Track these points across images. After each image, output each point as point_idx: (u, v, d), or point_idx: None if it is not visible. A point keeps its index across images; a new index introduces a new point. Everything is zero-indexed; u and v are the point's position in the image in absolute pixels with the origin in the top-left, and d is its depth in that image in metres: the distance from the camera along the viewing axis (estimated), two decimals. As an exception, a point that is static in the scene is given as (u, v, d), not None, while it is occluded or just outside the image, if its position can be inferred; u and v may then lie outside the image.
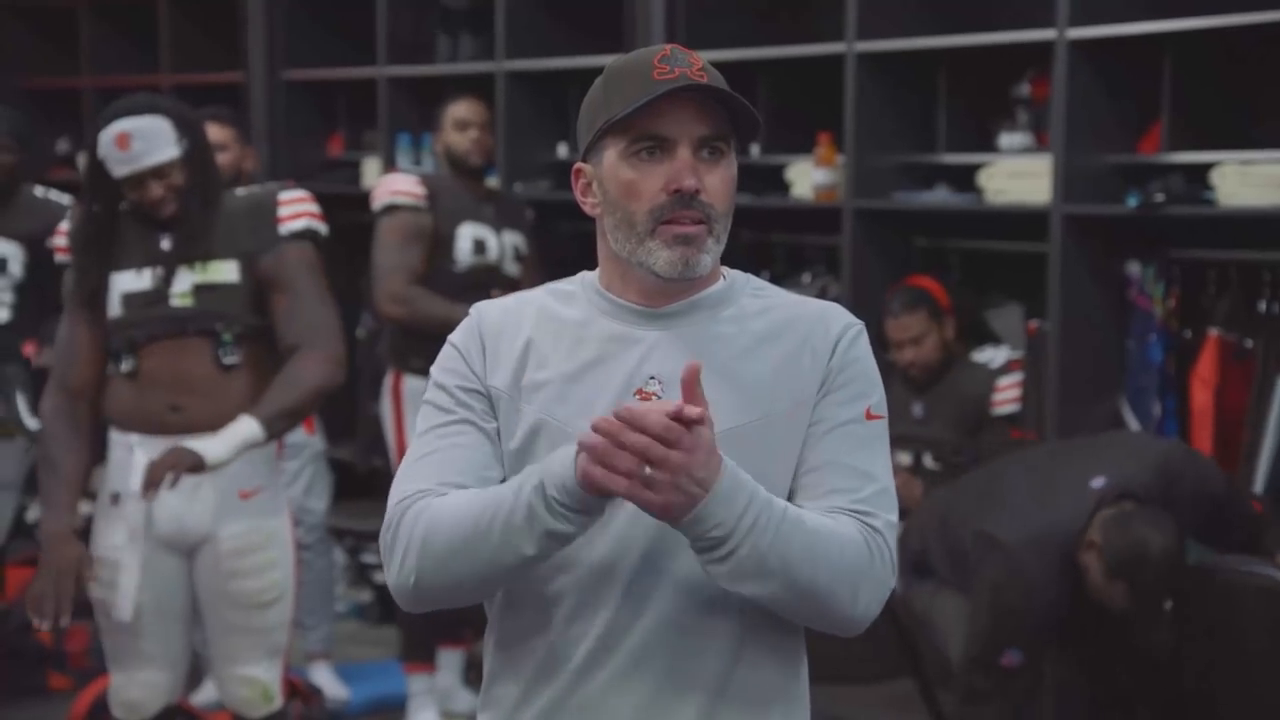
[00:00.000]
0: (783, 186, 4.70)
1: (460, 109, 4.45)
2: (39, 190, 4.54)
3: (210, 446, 3.08)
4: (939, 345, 4.23)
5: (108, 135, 3.11)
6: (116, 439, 3.25)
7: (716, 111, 1.69)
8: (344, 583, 5.51)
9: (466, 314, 1.82)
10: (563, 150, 5.18)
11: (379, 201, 4.35)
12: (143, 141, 3.10)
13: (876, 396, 1.72)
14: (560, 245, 5.01)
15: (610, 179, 1.70)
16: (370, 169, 5.57)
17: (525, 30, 5.06)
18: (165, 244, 3.19)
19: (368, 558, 5.50)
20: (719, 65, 1.82)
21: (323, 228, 3.33)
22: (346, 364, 3.28)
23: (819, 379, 1.70)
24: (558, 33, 5.08)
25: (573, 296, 1.78)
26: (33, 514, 5.10)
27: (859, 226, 4.43)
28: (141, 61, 6.38)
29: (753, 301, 1.76)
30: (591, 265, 1.84)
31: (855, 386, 1.70)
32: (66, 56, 6.66)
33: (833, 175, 4.50)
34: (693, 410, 1.54)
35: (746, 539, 1.57)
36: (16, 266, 4.39)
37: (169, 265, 3.17)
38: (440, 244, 4.25)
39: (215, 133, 4.22)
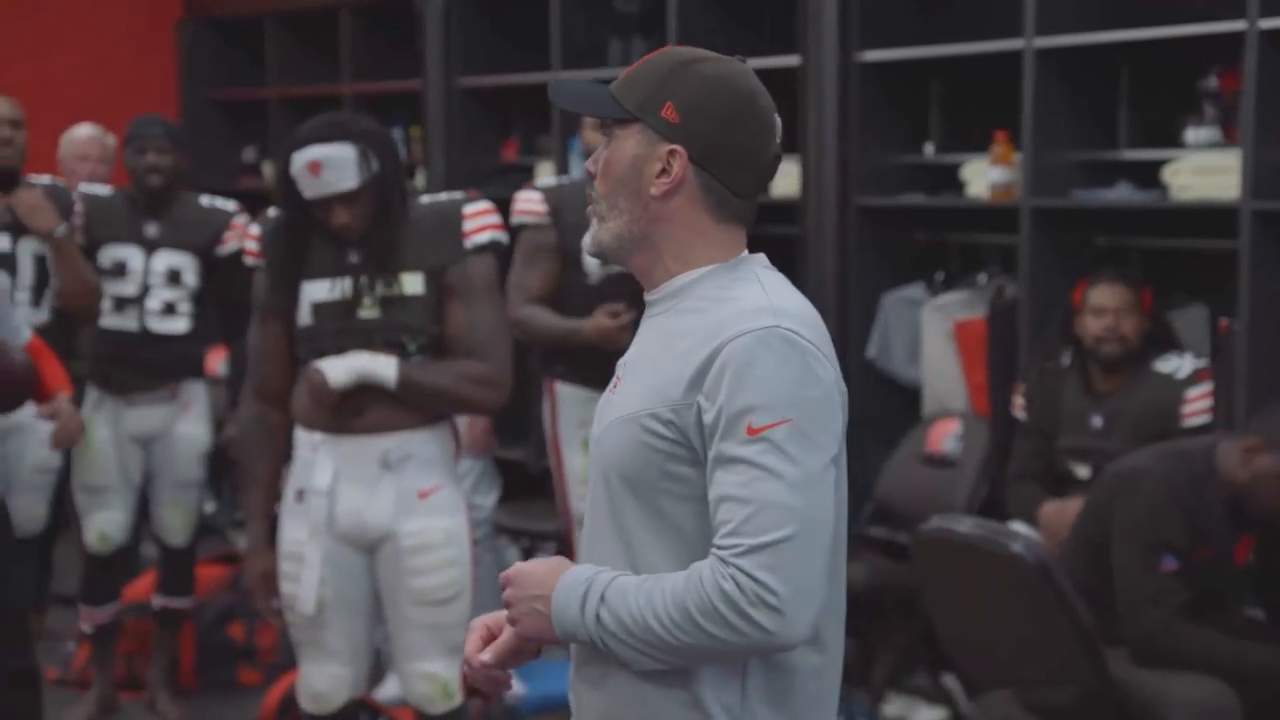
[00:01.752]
0: (957, 185, 4.64)
1: None
2: (204, 199, 4.63)
3: (333, 367, 3.18)
4: (1137, 330, 4.08)
5: (301, 159, 3.17)
6: (302, 438, 3.33)
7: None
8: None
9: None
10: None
11: (513, 219, 4.28)
12: (332, 171, 3.16)
13: (754, 408, 1.65)
14: (752, 246, 4.98)
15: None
16: (544, 173, 5.59)
17: (698, 32, 5.05)
18: (354, 257, 3.25)
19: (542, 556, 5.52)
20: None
21: (505, 239, 3.37)
22: (508, 388, 3.32)
23: (695, 388, 1.69)
24: (730, 34, 5.06)
25: None
26: (208, 508, 5.27)
27: (1037, 225, 4.35)
28: (323, 72, 6.52)
29: (707, 296, 1.76)
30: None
31: (731, 407, 1.66)
32: (253, 68, 6.85)
33: (1010, 173, 4.42)
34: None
35: (599, 631, 1.67)
36: (191, 277, 4.51)
37: (357, 278, 3.24)
38: (568, 257, 4.13)
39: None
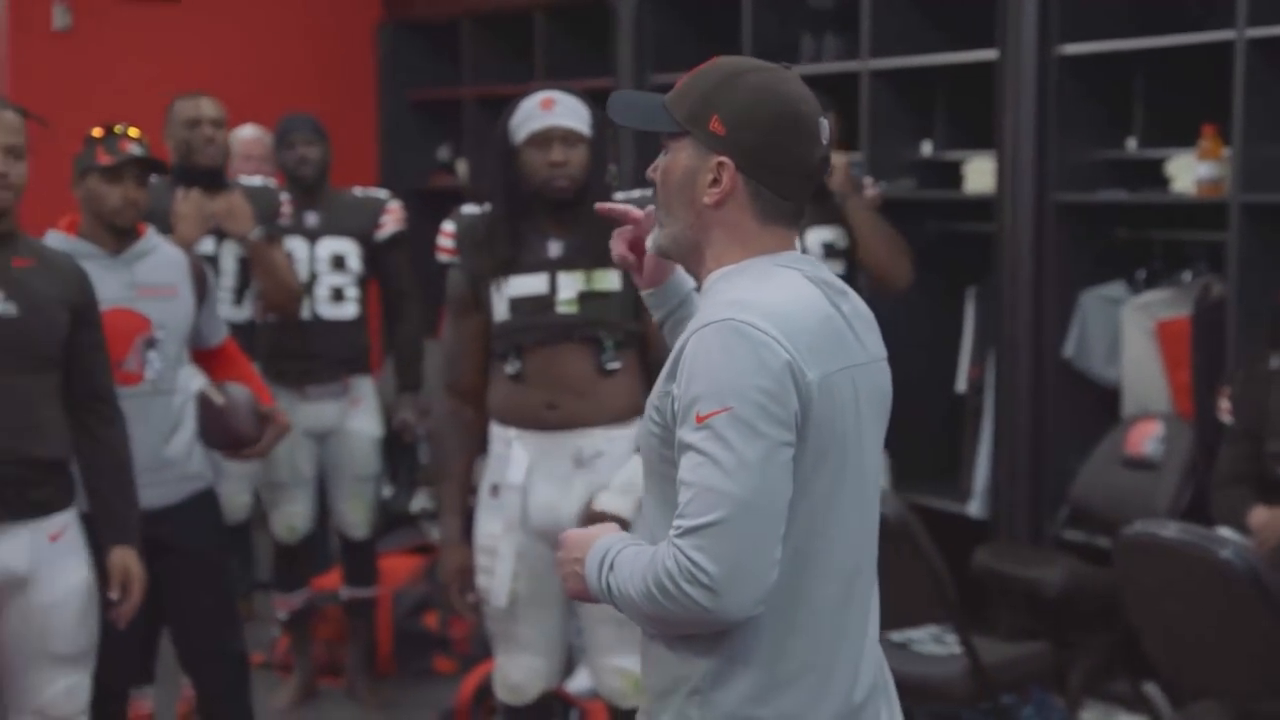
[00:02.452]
0: (1162, 181, 4.51)
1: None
2: (357, 190, 4.76)
3: (613, 500, 3.20)
4: None
5: (533, 99, 3.21)
6: (497, 433, 3.36)
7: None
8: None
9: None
10: (926, 148, 5.11)
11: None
12: (565, 108, 3.19)
13: (701, 396, 1.76)
14: (926, 244, 4.94)
15: None
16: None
17: (891, 28, 4.99)
18: (554, 251, 3.26)
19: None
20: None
21: None
22: None
23: (670, 373, 1.83)
24: (925, 30, 5.00)
25: None
26: (386, 493, 5.32)
27: (1247, 222, 4.20)
28: (518, 71, 6.56)
29: (717, 292, 1.86)
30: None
31: (686, 395, 1.78)
32: (449, 69, 6.94)
33: (1218, 168, 4.28)
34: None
35: (609, 596, 1.84)
36: (355, 262, 4.59)
37: (555, 272, 3.25)
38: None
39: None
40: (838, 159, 4.14)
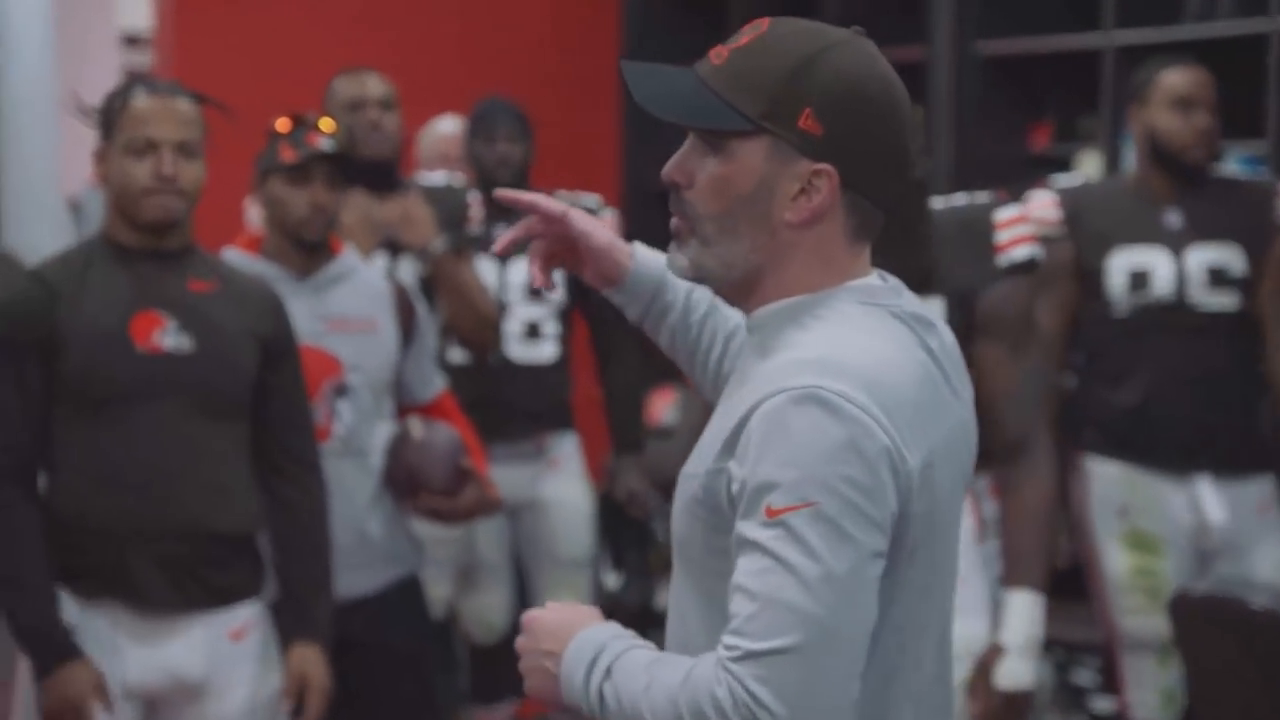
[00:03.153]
0: None
1: (1178, 80, 3.62)
2: (562, 195, 3.91)
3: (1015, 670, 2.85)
4: None
5: None
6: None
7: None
8: (1053, 711, 4.43)
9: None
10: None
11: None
12: None
13: (775, 486, 1.42)
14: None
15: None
16: (1087, 165, 4.65)
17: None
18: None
19: (1080, 677, 4.44)
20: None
21: (1041, 253, 3.01)
22: (1052, 474, 2.91)
23: (729, 451, 1.48)
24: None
25: None
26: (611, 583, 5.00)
27: None
28: None
29: (779, 335, 1.52)
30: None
31: (753, 481, 1.44)
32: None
33: None
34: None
35: (600, 708, 1.50)
36: (560, 290, 3.90)
37: None
38: (1086, 280, 3.61)
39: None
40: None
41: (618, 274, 1.79)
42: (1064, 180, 4.02)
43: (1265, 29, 4.15)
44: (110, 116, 2.65)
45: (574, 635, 1.53)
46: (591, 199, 4.03)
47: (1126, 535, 3.61)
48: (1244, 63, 4.14)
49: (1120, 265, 3.63)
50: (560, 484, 3.99)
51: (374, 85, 3.73)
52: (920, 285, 2.79)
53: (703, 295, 1.77)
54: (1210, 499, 3.62)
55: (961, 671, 2.75)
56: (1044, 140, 4.88)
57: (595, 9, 6.04)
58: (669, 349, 1.80)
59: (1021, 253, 2.92)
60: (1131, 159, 4.16)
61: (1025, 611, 2.80)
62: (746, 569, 1.44)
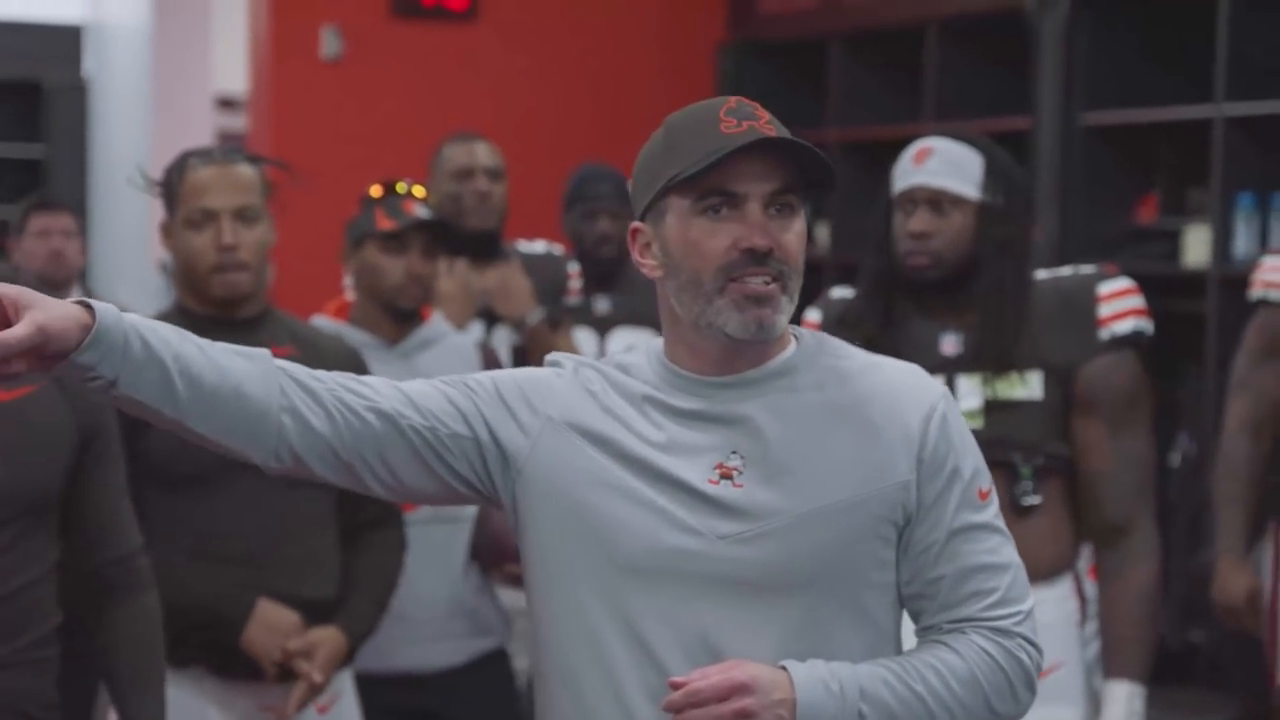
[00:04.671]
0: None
1: None
2: None
3: None
4: None
5: (913, 147, 2.85)
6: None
7: (786, 165, 1.70)
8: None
9: None
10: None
11: (1252, 292, 3.51)
12: (944, 162, 2.78)
13: (980, 470, 1.73)
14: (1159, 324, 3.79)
15: (674, 238, 1.72)
16: (1195, 240, 4.68)
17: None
18: (950, 347, 2.77)
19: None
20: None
21: (1150, 328, 2.89)
22: (1156, 556, 2.82)
23: (913, 460, 1.70)
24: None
25: (638, 369, 1.78)
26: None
27: None
28: (899, 106, 5.54)
29: (831, 367, 1.74)
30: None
31: (962, 473, 1.71)
32: (811, 101, 5.86)
33: None
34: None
35: None
36: None
37: (954, 373, 2.77)
38: None
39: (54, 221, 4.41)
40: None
41: None
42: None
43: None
44: (170, 190, 2.59)
45: (792, 680, 1.66)
46: (542, 245, 3.99)
47: None
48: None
49: None
50: None
51: (484, 154, 3.67)
52: (1003, 360, 2.72)
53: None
54: None
55: None
56: (1151, 213, 4.82)
57: (692, 77, 6.18)
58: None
59: (1124, 326, 2.83)
60: (1243, 232, 4.07)
61: (1126, 703, 2.75)
62: (985, 547, 1.71)
